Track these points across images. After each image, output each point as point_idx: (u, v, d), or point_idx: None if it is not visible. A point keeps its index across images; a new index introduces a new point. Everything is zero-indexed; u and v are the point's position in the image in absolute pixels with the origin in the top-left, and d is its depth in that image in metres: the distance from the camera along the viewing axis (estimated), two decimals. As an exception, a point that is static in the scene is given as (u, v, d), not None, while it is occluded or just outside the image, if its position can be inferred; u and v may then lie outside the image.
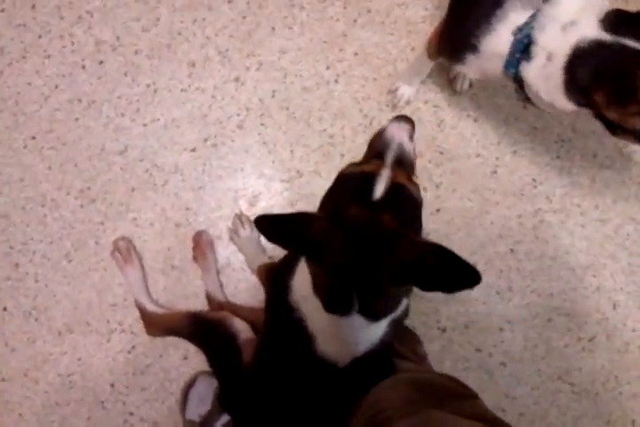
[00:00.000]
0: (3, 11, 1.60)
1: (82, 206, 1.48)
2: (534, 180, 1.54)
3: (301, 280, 0.92)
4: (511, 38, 1.07)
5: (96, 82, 1.57)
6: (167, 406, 1.37)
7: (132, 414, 1.38)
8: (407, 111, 1.56)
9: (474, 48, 1.13)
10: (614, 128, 1.04)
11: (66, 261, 1.45)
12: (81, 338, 1.42)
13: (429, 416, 0.77)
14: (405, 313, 0.99)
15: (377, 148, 0.91)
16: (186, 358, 1.40)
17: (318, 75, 1.58)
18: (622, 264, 1.51)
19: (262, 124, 1.56)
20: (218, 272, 1.43)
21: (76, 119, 1.54)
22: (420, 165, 1.58)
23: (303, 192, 1.52)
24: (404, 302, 0.96)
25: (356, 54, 1.61)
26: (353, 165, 0.90)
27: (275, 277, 1.06)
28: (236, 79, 1.57)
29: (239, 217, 1.46)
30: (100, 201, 1.49)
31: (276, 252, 1.41)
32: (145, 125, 1.54)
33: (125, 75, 1.58)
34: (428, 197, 1.53)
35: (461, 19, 1.17)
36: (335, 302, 0.86)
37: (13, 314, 1.46)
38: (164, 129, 1.54)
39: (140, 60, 1.59)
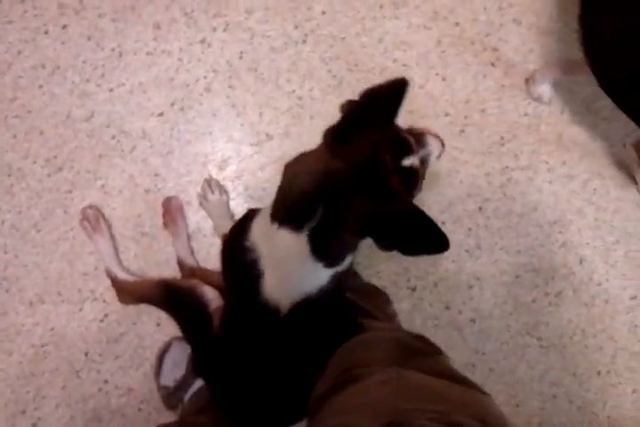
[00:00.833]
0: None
1: (49, 175, 1.17)
2: (502, 138, 1.25)
3: (262, 219, 0.78)
4: None
5: (60, 47, 1.23)
6: (142, 372, 1.13)
7: (106, 382, 1.14)
8: (376, 71, 1.21)
9: None
10: None
11: (35, 230, 1.15)
12: (53, 308, 1.16)
13: (396, 373, 0.64)
14: (347, 273, 0.81)
15: (415, 139, 0.77)
16: (159, 325, 1.13)
17: (286, 35, 1.25)
18: (589, 219, 1.23)
19: (230, 87, 1.22)
20: (189, 238, 1.15)
21: (40, 86, 1.21)
22: (388, 125, 1.24)
23: (273, 155, 1.21)
24: (349, 259, 0.79)
25: (323, 13, 1.25)
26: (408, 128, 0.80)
27: (233, 229, 0.86)
28: (203, 41, 1.23)
29: (208, 182, 1.19)
30: (67, 169, 1.18)
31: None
32: (111, 91, 1.21)
33: (89, 39, 1.23)
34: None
35: None
36: (297, 208, 0.71)
37: (-16, 286, 1.16)
38: (130, 94, 1.21)
39: (104, 24, 1.26)
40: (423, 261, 1.20)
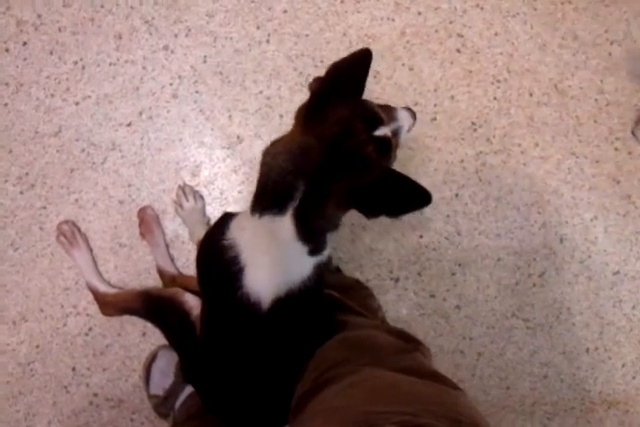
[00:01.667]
0: None
1: (21, 193, 1.19)
2: (473, 123, 1.28)
3: (241, 217, 0.80)
4: None
5: (22, 64, 1.26)
6: (131, 383, 1.14)
7: (96, 395, 1.15)
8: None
9: None
10: None
11: (12, 249, 1.17)
12: (36, 325, 1.17)
13: (368, 374, 0.66)
14: (327, 267, 0.87)
15: (386, 110, 0.81)
16: (144, 335, 1.16)
17: (249, 36, 1.28)
18: (566, 198, 1.26)
19: (197, 92, 1.24)
20: (167, 246, 1.17)
21: (5, 104, 1.24)
22: (358, 118, 1.27)
23: (246, 157, 1.23)
24: (329, 250, 0.81)
25: (285, 11, 1.28)
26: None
27: (209, 232, 0.88)
28: (165, 47, 1.26)
29: (182, 189, 1.20)
30: (39, 186, 1.20)
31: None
32: (77, 104, 1.23)
33: (51, 53, 1.26)
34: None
35: None
36: (278, 190, 0.72)
37: (-35, 307, 1.17)
38: (96, 106, 1.23)
39: (64, 38, 1.28)
40: (404, 252, 1.23)
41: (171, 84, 1.25)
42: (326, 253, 0.80)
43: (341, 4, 1.32)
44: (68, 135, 1.22)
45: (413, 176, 1.23)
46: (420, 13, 1.32)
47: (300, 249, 0.75)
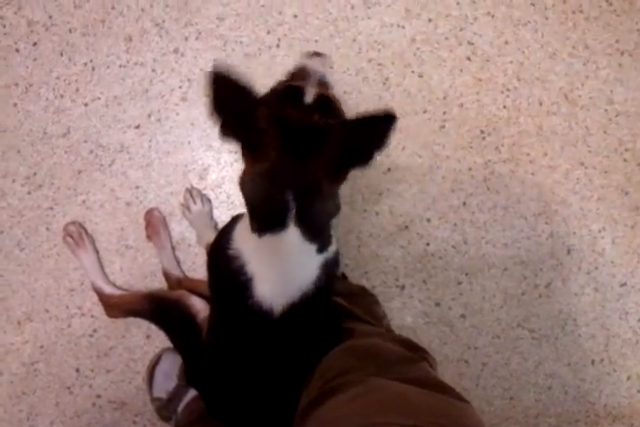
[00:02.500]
0: None
1: (29, 193, 1.23)
2: (482, 131, 1.31)
3: (242, 226, 0.81)
4: None
5: (32, 64, 1.30)
6: (134, 385, 1.18)
7: (99, 396, 1.19)
8: (352, 72, 1.27)
9: None
10: None
11: (18, 249, 1.21)
12: (41, 326, 1.21)
13: (374, 385, 0.67)
14: (335, 261, 0.84)
15: (299, 76, 0.83)
16: (149, 337, 1.19)
17: (259, 40, 1.32)
18: (574, 209, 1.29)
19: (206, 95, 1.25)
20: (173, 249, 1.21)
21: (15, 104, 1.27)
22: (367, 125, 1.30)
23: (253, 161, 1.24)
24: (334, 246, 0.83)
25: (295, 16, 1.32)
26: (279, 81, 0.84)
27: (217, 239, 0.90)
28: (176, 50, 1.30)
29: (190, 191, 1.24)
30: (47, 186, 1.24)
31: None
32: (86, 105, 1.27)
33: (61, 54, 1.30)
34: (377, 157, 1.26)
35: None
36: (271, 211, 0.74)
37: (-29, 306, 1.22)
38: (105, 107, 1.27)
39: (74, 39, 1.32)
40: (411, 259, 1.26)
41: (180, 88, 1.29)
42: (333, 248, 0.82)
43: (352, 9, 1.36)
44: (77, 136, 1.26)
45: (421, 184, 1.29)
46: (430, 20, 1.36)
47: (308, 250, 0.77)
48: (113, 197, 1.24)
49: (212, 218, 1.22)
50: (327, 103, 0.77)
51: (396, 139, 1.29)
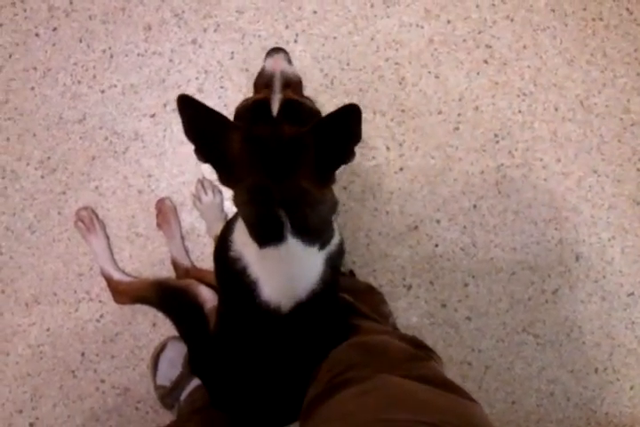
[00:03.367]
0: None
1: (42, 177, 1.28)
2: (496, 135, 1.35)
3: (240, 230, 0.83)
4: None
5: (51, 49, 1.34)
6: (138, 372, 1.23)
7: (103, 381, 1.24)
8: (368, 70, 1.32)
9: None
10: None
11: (29, 232, 1.26)
12: (49, 308, 1.26)
13: (383, 381, 0.68)
14: (339, 253, 0.86)
15: (263, 83, 0.83)
16: (155, 325, 1.23)
17: (277, 34, 1.36)
18: (584, 216, 1.33)
19: (222, 87, 1.33)
20: (183, 238, 1.26)
21: (32, 88, 1.32)
22: (382, 123, 1.37)
23: (266, 155, 1.29)
24: (337, 238, 0.85)
25: (314, 12, 1.37)
26: (245, 99, 0.83)
27: (219, 238, 0.93)
28: (194, 41, 1.35)
29: (202, 182, 1.28)
30: (60, 171, 1.28)
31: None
32: (103, 92, 1.31)
33: (80, 41, 1.35)
34: (390, 155, 1.34)
35: None
36: (266, 228, 0.77)
37: (-20, 287, 1.29)
38: (122, 95, 1.32)
39: (94, 26, 1.36)
40: (419, 260, 1.31)
41: (197, 79, 1.34)
42: (335, 240, 0.84)
43: (371, 8, 1.40)
44: (92, 123, 1.31)
45: (433, 185, 1.33)
46: (449, 22, 1.40)
47: (310, 253, 0.79)
48: (125, 184, 1.28)
49: (222, 210, 1.26)
50: (294, 108, 0.77)
51: (410, 139, 1.33)
